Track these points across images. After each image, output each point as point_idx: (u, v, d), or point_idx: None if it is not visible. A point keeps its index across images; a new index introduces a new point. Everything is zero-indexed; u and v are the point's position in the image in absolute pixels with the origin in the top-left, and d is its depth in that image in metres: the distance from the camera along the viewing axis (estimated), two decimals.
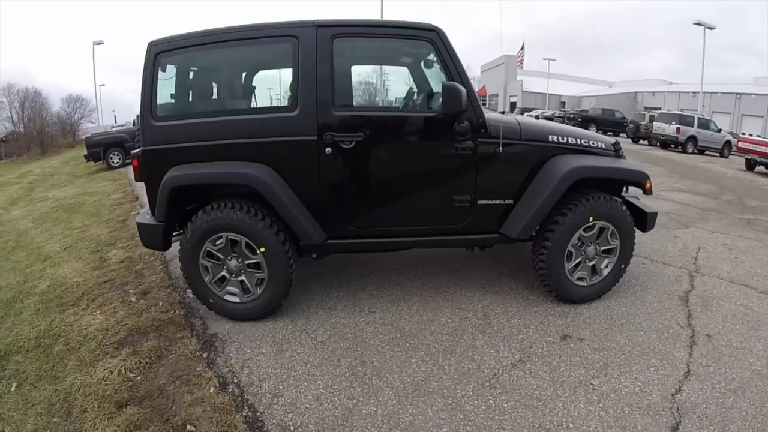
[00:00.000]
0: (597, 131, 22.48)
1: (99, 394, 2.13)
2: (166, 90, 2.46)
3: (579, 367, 2.24)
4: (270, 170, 2.33)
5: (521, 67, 44.39)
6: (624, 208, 2.67)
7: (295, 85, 2.35)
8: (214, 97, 2.62)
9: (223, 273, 2.51)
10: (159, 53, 2.39)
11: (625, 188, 2.97)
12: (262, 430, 1.78)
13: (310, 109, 2.32)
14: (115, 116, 35.39)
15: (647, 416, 1.91)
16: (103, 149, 11.90)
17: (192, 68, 2.55)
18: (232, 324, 2.57)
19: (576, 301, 2.73)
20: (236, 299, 2.53)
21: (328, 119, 2.33)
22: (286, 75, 2.45)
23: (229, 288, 2.53)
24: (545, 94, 39.76)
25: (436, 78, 2.55)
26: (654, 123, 16.31)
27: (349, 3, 18.54)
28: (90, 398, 2.11)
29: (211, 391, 2.05)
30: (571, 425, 1.86)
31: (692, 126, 15.02)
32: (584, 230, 2.60)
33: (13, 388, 2.30)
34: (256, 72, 2.75)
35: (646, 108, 26.12)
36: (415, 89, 3.09)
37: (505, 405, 1.98)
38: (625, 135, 19.12)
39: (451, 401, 2.00)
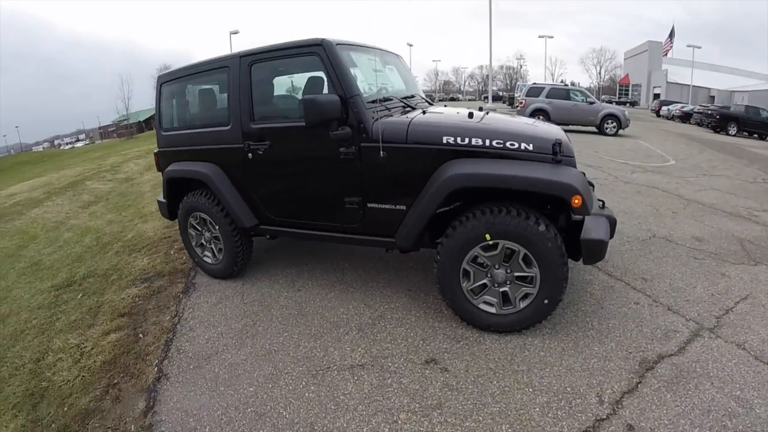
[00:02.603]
0: (738, 131, 18.47)
1: (114, 306, 3.30)
2: (167, 109, 3.47)
3: (406, 395, 2.04)
4: (218, 168, 3.08)
5: (666, 55, 38.20)
6: (543, 228, 2.17)
7: (228, 105, 2.97)
8: (191, 114, 3.48)
9: (202, 241, 3.48)
10: (163, 83, 3.42)
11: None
12: (168, 347, 2.64)
13: (237, 123, 2.92)
14: None
15: None
16: None
17: (179, 93, 3.45)
18: (208, 278, 3.54)
19: (482, 328, 2.48)
20: (210, 261, 3.48)
21: (248, 131, 2.88)
22: (225, 96, 3.07)
23: (206, 252, 3.50)
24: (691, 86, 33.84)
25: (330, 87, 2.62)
26: None
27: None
28: (109, 308, 3.29)
29: (167, 318, 3.02)
30: None
31: None
32: (483, 249, 2.33)
33: (79, 297, 3.65)
34: (213, 94, 3.37)
35: None
36: None
37: (307, 394, 2.11)
38: None
39: (275, 373, 2.28)
